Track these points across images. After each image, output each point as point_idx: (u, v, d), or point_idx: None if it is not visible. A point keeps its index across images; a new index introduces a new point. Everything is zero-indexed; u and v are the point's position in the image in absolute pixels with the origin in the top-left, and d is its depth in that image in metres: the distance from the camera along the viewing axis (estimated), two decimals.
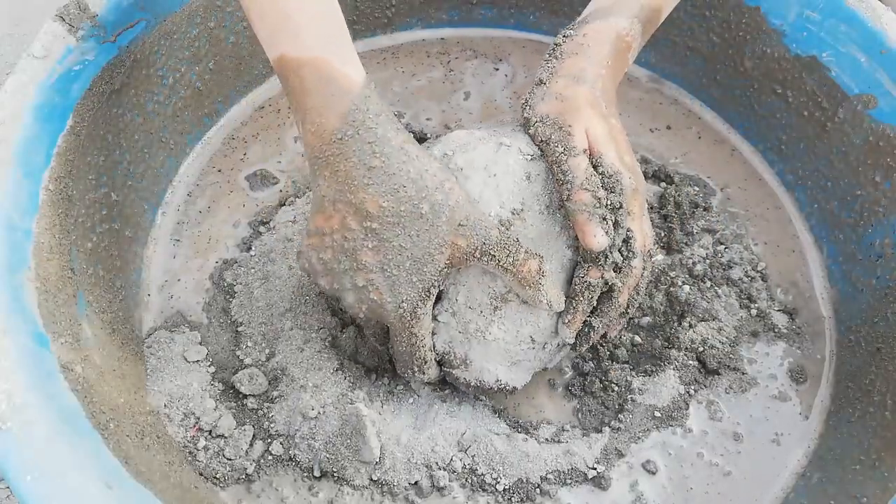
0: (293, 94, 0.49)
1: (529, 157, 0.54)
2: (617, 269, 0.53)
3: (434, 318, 0.55)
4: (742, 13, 0.71)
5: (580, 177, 0.51)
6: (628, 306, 0.56)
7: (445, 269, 0.51)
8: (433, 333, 0.56)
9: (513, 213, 0.53)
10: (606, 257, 0.52)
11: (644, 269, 0.55)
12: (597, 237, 0.51)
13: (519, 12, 0.82)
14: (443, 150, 0.55)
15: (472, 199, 0.51)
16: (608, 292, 0.55)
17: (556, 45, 0.57)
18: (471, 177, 0.53)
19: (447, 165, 0.54)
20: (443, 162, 0.54)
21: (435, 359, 0.57)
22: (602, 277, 0.53)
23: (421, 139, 0.74)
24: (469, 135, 0.56)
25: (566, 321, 0.54)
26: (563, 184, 0.52)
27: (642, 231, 0.54)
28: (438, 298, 0.55)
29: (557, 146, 0.52)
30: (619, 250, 0.53)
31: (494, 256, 0.50)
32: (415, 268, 0.50)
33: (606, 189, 0.52)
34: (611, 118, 0.55)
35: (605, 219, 0.51)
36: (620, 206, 0.52)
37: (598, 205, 0.51)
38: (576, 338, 0.56)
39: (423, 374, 0.57)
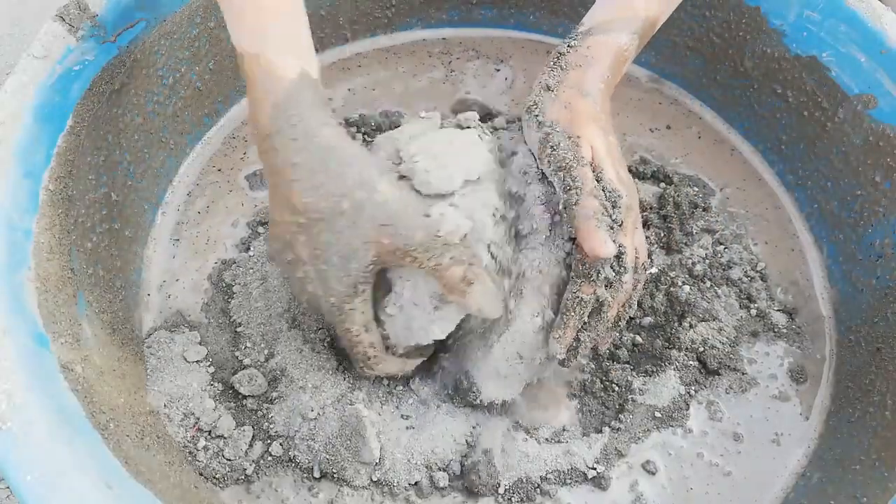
0: (247, 88, 0.51)
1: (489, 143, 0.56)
2: (608, 284, 0.53)
3: (383, 309, 0.55)
4: (742, 13, 0.71)
5: (588, 185, 0.51)
6: (618, 320, 0.56)
7: (372, 266, 0.50)
8: (382, 328, 0.55)
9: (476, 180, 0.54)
10: (599, 273, 0.52)
11: (637, 281, 0.55)
12: (606, 244, 0.50)
13: (519, 12, 0.82)
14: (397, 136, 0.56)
15: (404, 198, 0.50)
16: (598, 307, 0.54)
17: (560, 53, 0.58)
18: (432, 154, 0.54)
19: (398, 154, 0.54)
20: (390, 153, 0.55)
21: (393, 352, 0.56)
22: (594, 293, 0.53)
23: None
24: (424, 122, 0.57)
25: (556, 336, 0.54)
26: (570, 189, 0.52)
27: (633, 246, 0.54)
28: (390, 290, 0.54)
29: (567, 153, 0.52)
30: (610, 265, 0.53)
31: (416, 259, 0.50)
32: (341, 264, 0.50)
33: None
34: (609, 135, 0.56)
35: (612, 227, 0.52)
36: (620, 223, 0.53)
37: (605, 213, 0.51)
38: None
39: (372, 369, 0.56)
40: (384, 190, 0.49)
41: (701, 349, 0.63)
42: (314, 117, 0.49)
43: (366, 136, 0.74)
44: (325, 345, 0.61)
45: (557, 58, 0.57)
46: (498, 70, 0.81)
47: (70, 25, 0.56)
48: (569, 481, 0.58)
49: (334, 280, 0.50)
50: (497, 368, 0.56)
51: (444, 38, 0.82)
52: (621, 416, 0.60)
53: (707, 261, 0.68)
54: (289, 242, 0.50)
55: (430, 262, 0.50)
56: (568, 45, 0.58)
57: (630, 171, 0.70)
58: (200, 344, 0.62)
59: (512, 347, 0.55)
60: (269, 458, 0.58)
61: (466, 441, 0.58)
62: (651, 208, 0.71)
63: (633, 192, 0.55)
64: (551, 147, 0.53)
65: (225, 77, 0.74)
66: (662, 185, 0.73)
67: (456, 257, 0.51)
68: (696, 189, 0.73)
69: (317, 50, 0.78)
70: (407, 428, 0.58)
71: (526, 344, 0.55)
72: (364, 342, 0.54)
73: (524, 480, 0.57)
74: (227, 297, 0.65)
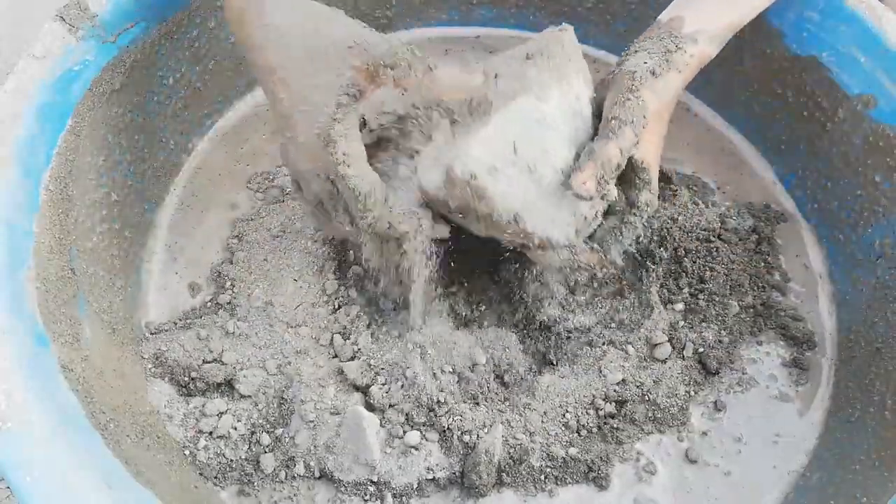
0: None
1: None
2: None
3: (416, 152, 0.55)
4: None
5: (628, 142, 0.52)
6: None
7: (353, 90, 0.51)
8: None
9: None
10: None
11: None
12: (587, 184, 0.51)
13: (519, 12, 0.82)
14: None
15: (362, 25, 0.53)
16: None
17: (668, 51, 0.58)
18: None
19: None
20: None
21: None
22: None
23: None
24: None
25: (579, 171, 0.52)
26: (616, 131, 0.52)
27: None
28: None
29: (641, 114, 0.53)
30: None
31: (390, 68, 0.51)
32: (321, 95, 0.52)
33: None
34: (661, 142, 0.59)
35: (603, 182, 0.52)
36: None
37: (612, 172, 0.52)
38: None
39: (372, 219, 0.53)
40: (342, 23, 0.53)
41: (701, 349, 0.63)
42: None
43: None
44: (327, 345, 0.62)
45: (665, 52, 0.58)
46: None
47: (70, 25, 0.56)
48: (569, 481, 0.58)
49: (317, 113, 0.52)
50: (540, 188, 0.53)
51: (444, 38, 0.82)
52: (621, 416, 0.60)
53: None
54: (276, 111, 0.54)
55: (402, 71, 0.52)
56: (677, 46, 0.59)
57: None
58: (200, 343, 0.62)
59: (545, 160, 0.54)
60: (270, 459, 0.58)
61: (466, 440, 0.58)
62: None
63: (653, 202, 0.57)
64: (633, 100, 0.54)
65: (225, 77, 0.74)
66: (661, 184, 0.73)
67: (416, 56, 0.52)
68: (696, 188, 0.73)
69: None
70: (406, 428, 0.58)
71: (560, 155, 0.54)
72: (356, 174, 0.52)
73: (525, 480, 0.57)
74: (227, 296, 0.65)
